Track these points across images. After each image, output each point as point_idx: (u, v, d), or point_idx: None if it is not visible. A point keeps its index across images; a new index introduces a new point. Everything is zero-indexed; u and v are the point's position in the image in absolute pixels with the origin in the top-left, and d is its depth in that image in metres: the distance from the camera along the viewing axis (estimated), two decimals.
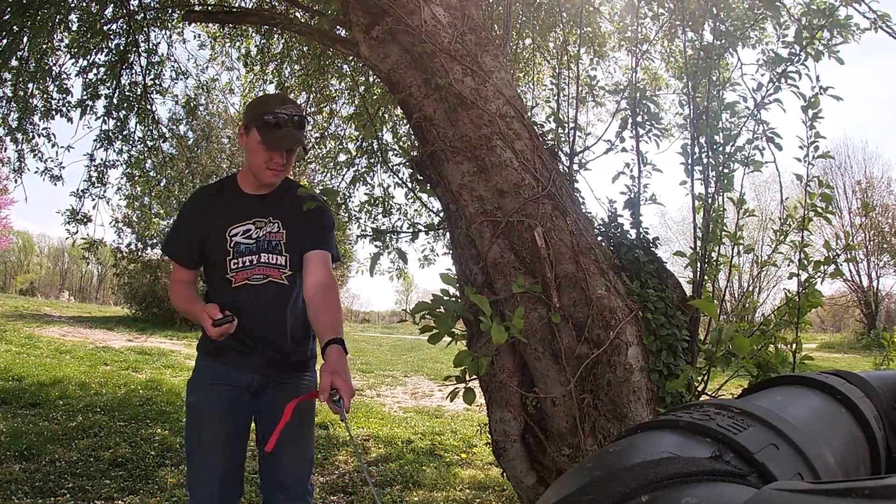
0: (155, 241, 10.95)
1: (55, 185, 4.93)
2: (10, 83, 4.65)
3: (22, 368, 5.94)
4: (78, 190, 4.83)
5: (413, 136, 2.30)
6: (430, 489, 3.61)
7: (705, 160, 2.08)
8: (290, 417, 1.68)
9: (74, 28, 4.77)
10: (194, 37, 6.05)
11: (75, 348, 7.93)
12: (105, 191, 4.97)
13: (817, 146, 1.96)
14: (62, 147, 4.90)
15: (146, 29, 4.90)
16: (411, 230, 2.30)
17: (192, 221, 1.89)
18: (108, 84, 4.87)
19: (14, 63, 4.45)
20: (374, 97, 4.53)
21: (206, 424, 1.79)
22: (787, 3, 2.29)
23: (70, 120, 4.83)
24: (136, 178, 5.31)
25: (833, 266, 1.95)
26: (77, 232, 4.77)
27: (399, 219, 5.08)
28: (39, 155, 4.92)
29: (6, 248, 23.40)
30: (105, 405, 4.88)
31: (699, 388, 1.95)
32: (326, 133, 5.65)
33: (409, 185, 2.30)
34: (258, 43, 5.39)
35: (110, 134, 4.90)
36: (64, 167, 4.97)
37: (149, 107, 5.12)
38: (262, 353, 1.86)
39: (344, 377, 1.52)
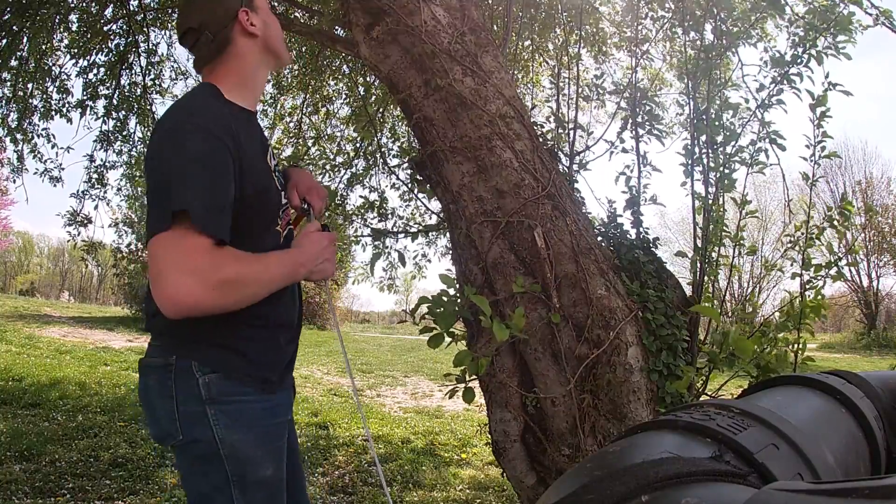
0: None
1: (55, 186, 4.93)
2: (9, 83, 4.65)
3: (22, 369, 5.93)
4: (78, 191, 4.84)
5: (413, 137, 2.30)
6: (429, 489, 3.61)
7: (705, 160, 2.07)
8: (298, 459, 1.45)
9: (74, 28, 4.77)
10: None
11: (75, 349, 7.93)
12: (105, 192, 4.99)
13: (824, 146, 1.96)
14: (62, 148, 4.91)
15: (146, 29, 4.90)
16: (408, 231, 2.30)
17: (231, 165, 1.14)
18: (108, 84, 4.87)
19: (14, 63, 4.45)
20: (374, 98, 4.53)
21: (281, 500, 1.28)
22: (790, 1, 2.28)
23: (70, 120, 4.83)
24: (137, 179, 5.30)
25: (835, 269, 1.95)
26: (79, 234, 4.78)
27: (395, 223, 5.04)
28: (39, 156, 4.92)
29: (6, 249, 23.41)
30: (105, 405, 4.87)
31: (699, 389, 1.95)
32: (323, 134, 5.64)
33: (409, 185, 2.30)
34: None
35: (110, 134, 4.90)
36: (63, 168, 4.97)
37: (149, 107, 5.12)
38: (295, 336, 1.40)
39: (310, 186, 1.42)
